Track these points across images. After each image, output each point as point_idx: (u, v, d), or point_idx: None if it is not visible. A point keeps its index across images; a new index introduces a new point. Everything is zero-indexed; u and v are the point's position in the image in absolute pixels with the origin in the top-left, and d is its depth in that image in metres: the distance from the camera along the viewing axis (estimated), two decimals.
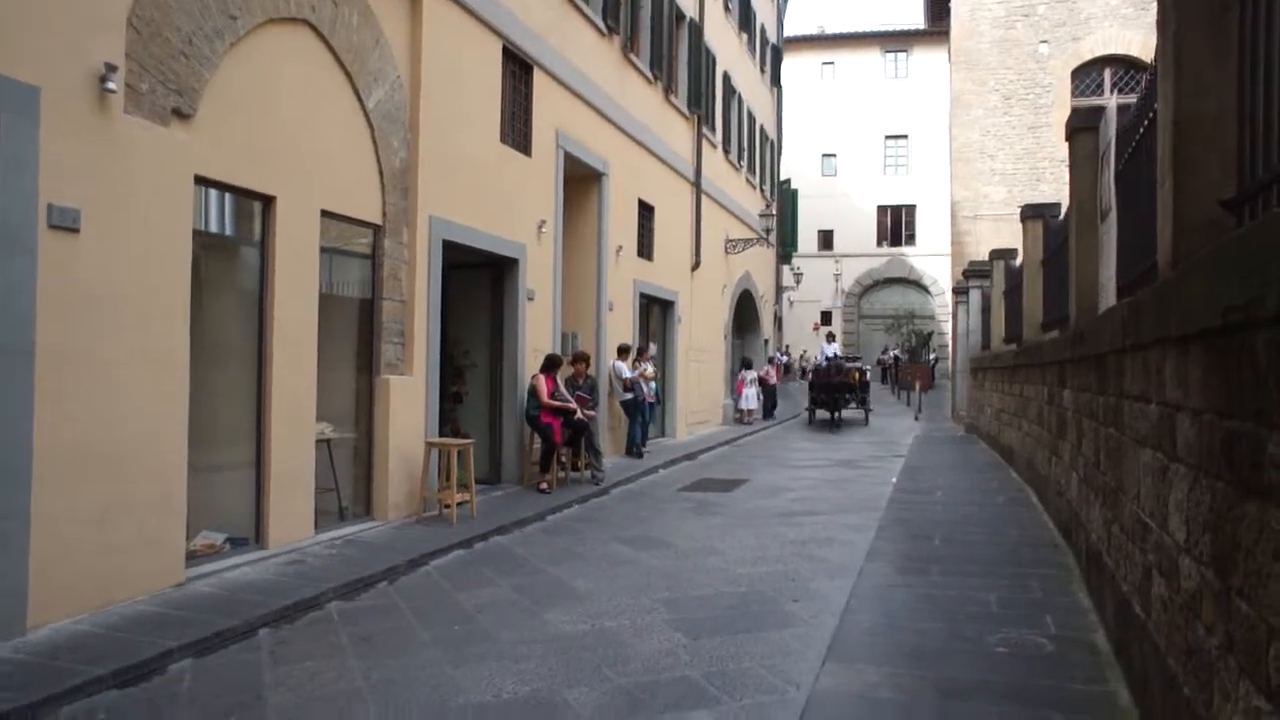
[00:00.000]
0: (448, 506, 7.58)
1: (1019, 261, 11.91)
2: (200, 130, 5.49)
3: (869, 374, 21.27)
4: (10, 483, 4.31)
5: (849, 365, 20.06)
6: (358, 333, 7.48)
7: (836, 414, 18.75)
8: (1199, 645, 2.51)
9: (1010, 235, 16.41)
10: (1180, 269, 2.75)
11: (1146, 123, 4.13)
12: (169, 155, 5.24)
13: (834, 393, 18.62)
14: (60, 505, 4.55)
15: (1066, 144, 6.90)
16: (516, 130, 9.78)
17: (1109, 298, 5.43)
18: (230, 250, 6.47)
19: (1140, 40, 18.80)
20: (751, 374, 19.94)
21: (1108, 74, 19.97)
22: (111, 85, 4.74)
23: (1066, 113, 8.89)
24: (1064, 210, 7.89)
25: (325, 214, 6.72)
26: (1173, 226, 2.96)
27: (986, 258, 15.78)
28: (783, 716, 3.69)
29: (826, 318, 35.20)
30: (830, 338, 22.31)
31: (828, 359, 20.10)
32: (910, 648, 4.44)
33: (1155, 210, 3.39)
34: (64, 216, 4.54)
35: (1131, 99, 5.20)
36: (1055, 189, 18.10)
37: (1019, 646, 4.41)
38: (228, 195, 6.12)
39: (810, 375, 21.33)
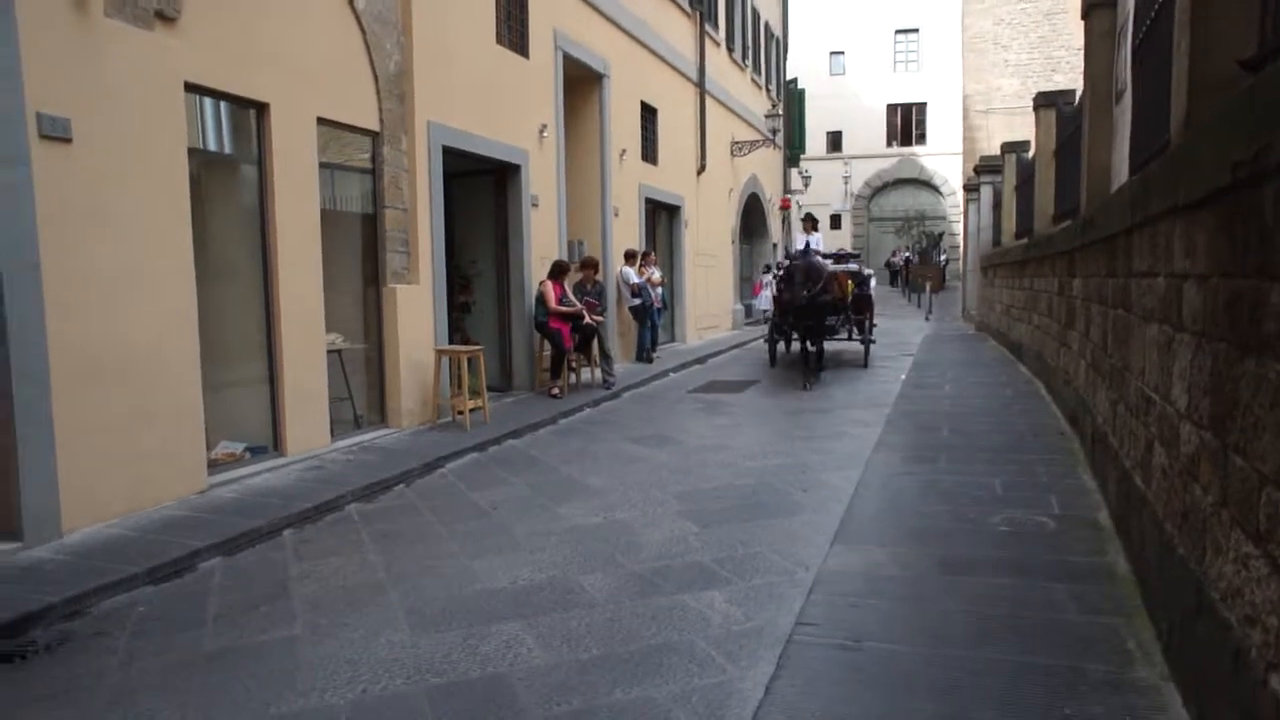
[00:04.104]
0: (461, 413, 7.70)
1: (1031, 154, 11.64)
2: (186, 34, 5.34)
3: (873, 282, 12.97)
4: (31, 391, 4.39)
5: (835, 267, 11.75)
6: (363, 244, 7.45)
7: (814, 348, 10.73)
8: (1195, 505, 2.56)
9: (1023, 129, 15.97)
10: (1190, 133, 2.68)
11: None
12: (156, 60, 5.12)
13: (808, 316, 10.48)
14: (80, 416, 4.65)
15: (1083, 22, 6.64)
16: (513, 31, 9.47)
17: (1121, 181, 5.32)
18: (229, 167, 6.38)
19: None
20: (768, 277, 19.88)
21: None
22: None
23: None
24: (1078, 96, 7.66)
25: (321, 121, 6.60)
26: (1187, 89, 2.88)
27: (998, 153, 15.43)
28: (791, 594, 3.82)
29: (836, 221, 34.68)
30: (811, 223, 13.39)
31: (799, 254, 11.64)
32: (915, 529, 4.56)
33: (1171, 83, 3.28)
34: (54, 125, 4.48)
35: None
36: (1071, 79, 17.51)
37: (1022, 525, 4.52)
38: (222, 107, 6.01)
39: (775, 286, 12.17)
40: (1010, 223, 13.50)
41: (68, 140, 4.58)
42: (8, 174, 4.27)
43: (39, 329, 4.44)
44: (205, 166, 6.02)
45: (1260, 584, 1.92)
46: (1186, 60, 2.86)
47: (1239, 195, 2.14)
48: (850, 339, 12.43)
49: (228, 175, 6.38)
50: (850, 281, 11.89)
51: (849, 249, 17.55)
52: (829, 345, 11.85)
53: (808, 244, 12.43)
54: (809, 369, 10.57)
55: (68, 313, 4.59)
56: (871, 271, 13.72)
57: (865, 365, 12.01)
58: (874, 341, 12.72)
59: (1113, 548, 4.07)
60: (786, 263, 11.13)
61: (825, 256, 12.42)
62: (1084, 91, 6.69)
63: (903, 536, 4.46)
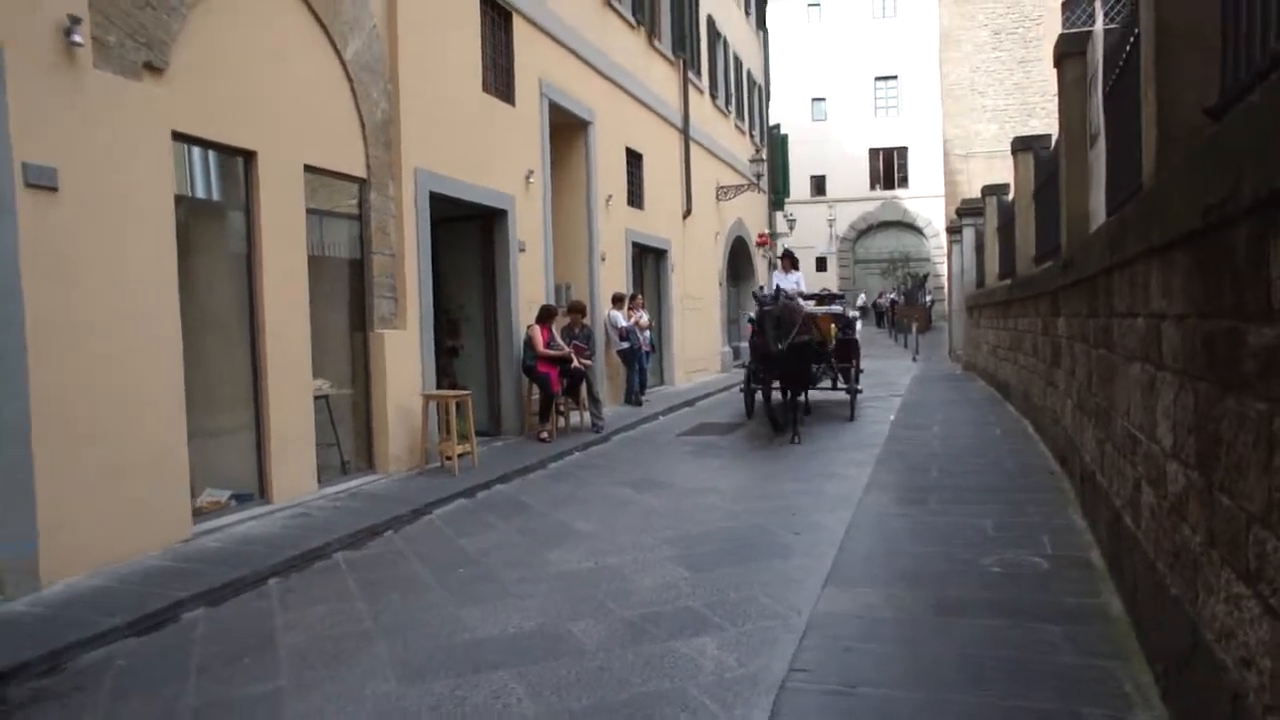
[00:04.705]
0: (449, 458, 7.65)
1: (1010, 196, 11.85)
2: (174, 85, 5.41)
3: (858, 323, 12.01)
4: (11, 441, 4.34)
5: (817, 310, 11.06)
6: (350, 290, 7.47)
7: (798, 397, 9.77)
8: (1185, 545, 2.56)
9: (1003, 171, 16.28)
10: (1160, 177, 2.75)
11: (1133, 39, 4.08)
12: (143, 110, 5.17)
13: (788, 364, 9.24)
14: (62, 465, 4.59)
15: (1055, 70, 6.82)
16: (499, 79, 9.63)
17: (1099, 223, 5.42)
18: (217, 214, 6.41)
19: None
20: None
21: (1098, 3, 19.64)
22: (77, 38, 4.65)
23: None
24: (1054, 141, 7.84)
25: (308, 169, 6.66)
26: (1156, 137, 2.95)
27: (979, 195, 15.70)
28: (784, 639, 3.77)
29: (821, 263, 35.04)
30: (790, 261, 12.26)
31: (769, 298, 9.34)
32: (908, 571, 4.53)
33: (1141, 128, 3.37)
34: (40, 175, 4.49)
35: None
36: (1046, 124, 17.94)
37: (1015, 566, 4.50)
38: (210, 156, 6.07)
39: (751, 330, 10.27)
40: (993, 264, 13.67)
41: (54, 189, 4.59)
42: None
43: (21, 379, 4.40)
44: (193, 213, 6.05)
45: (1253, 625, 1.92)
46: (1154, 108, 2.94)
47: (1209, 238, 2.19)
48: (835, 388, 11.15)
49: (215, 222, 6.40)
50: (834, 325, 10.94)
51: (834, 289, 16.59)
52: (811, 395, 10.80)
53: (778, 288, 10.21)
54: (790, 423, 9.41)
55: (50, 362, 4.56)
56: (857, 313, 12.47)
57: (851, 418, 10.76)
58: (860, 391, 11.41)
59: (1106, 588, 4.06)
60: (757, 308, 9.48)
61: (807, 298, 11.55)
62: (1059, 136, 6.84)
63: (895, 578, 4.43)
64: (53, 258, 4.59)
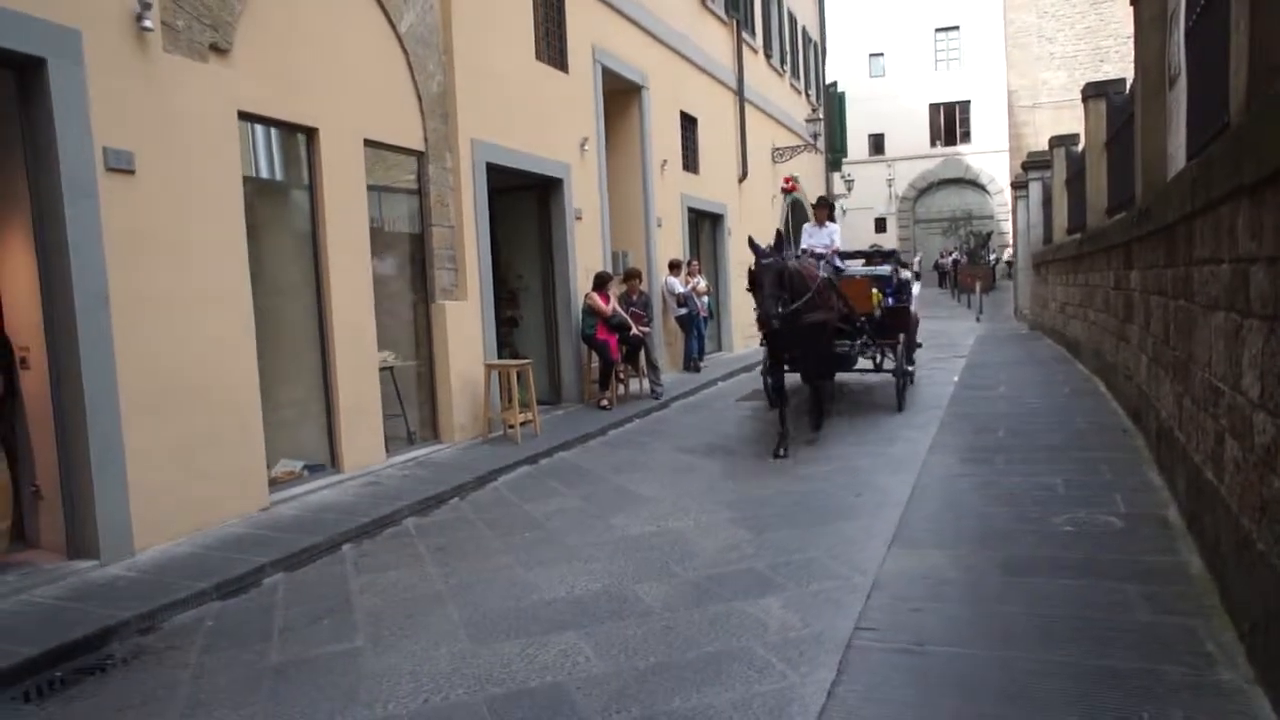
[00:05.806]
0: (511, 427, 7.77)
1: (1080, 146, 11.37)
2: (238, 65, 5.52)
3: (916, 288, 9.83)
4: (104, 419, 4.56)
5: (862, 270, 9.42)
6: (411, 262, 7.59)
7: (821, 381, 7.95)
8: (1274, 497, 2.46)
9: (1071, 122, 15.64)
10: (1254, 110, 2.60)
11: None
12: (211, 91, 5.30)
13: (789, 346, 7.19)
14: (148, 439, 4.81)
15: (1132, 9, 6.48)
16: (551, 47, 9.59)
17: (1177, 168, 5.17)
18: (281, 192, 6.56)
19: None
20: None
21: None
22: (148, 23, 4.78)
23: None
24: (1129, 85, 7.47)
25: (368, 143, 6.75)
26: (1248, 71, 2.79)
27: (1046, 148, 15.11)
28: (849, 599, 3.76)
29: (881, 224, 34.24)
30: (825, 210, 9.36)
31: (769, 249, 6.66)
32: (975, 531, 4.46)
33: (1230, 63, 3.18)
34: (119, 159, 4.66)
35: None
36: (1121, 68, 17.11)
37: (1087, 525, 4.39)
38: (273, 135, 6.19)
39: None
40: (1062, 218, 13.20)
41: (131, 172, 4.75)
42: (81, 208, 4.45)
43: (108, 356, 4.60)
44: (259, 192, 6.19)
45: None
46: (1246, 42, 2.77)
47: None
48: (878, 369, 9.05)
49: (280, 200, 6.55)
50: (876, 291, 8.76)
51: (890, 247, 13.68)
52: (847, 377, 8.95)
53: (779, 232, 7.22)
54: (785, 428, 7.03)
55: (134, 340, 4.76)
56: (911, 274, 10.26)
57: (899, 408, 8.49)
58: (912, 372, 9.28)
59: (1184, 545, 3.93)
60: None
61: (847, 255, 9.51)
62: (1135, 79, 6.52)
63: (962, 539, 4.36)
64: (132, 239, 4.77)
